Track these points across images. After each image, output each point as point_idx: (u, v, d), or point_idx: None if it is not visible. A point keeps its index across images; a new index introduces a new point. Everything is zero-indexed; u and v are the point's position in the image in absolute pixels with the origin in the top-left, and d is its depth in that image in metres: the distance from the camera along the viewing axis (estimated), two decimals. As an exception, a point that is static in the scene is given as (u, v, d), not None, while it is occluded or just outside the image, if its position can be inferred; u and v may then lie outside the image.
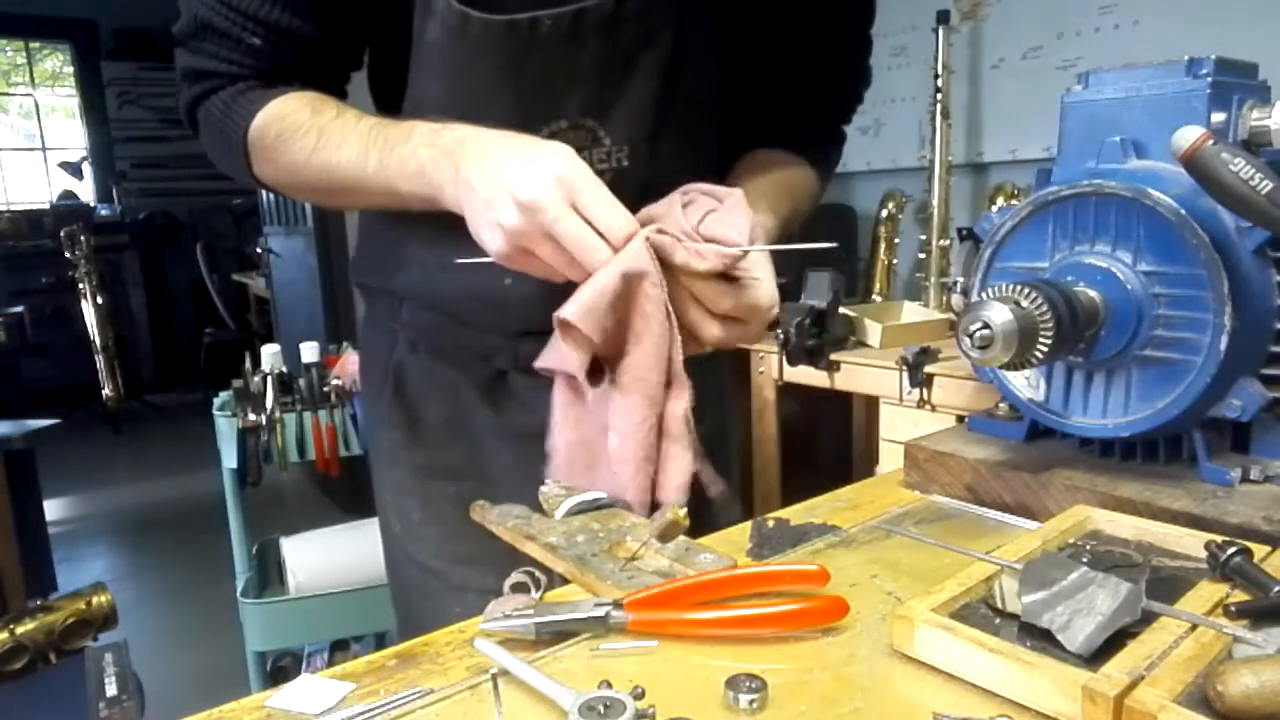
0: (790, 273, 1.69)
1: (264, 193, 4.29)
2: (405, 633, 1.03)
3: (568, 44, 0.80)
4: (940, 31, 2.10)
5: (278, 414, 2.08)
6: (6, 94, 6.66)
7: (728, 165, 0.99)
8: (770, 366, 1.93)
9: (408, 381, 1.00)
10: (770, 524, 0.80)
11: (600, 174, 0.83)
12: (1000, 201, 2.14)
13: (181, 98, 0.88)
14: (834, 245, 0.77)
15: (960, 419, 1.25)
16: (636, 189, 0.84)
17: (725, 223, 0.74)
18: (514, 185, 0.70)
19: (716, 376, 1.07)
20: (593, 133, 0.85)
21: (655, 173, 0.87)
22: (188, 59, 0.85)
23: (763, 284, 0.76)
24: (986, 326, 0.68)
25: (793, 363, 1.76)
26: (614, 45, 0.81)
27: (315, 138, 0.81)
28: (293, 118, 0.82)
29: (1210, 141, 0.63)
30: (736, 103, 1.02)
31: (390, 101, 0.90)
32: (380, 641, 2.20)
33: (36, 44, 6.68)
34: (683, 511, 0.68)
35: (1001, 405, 0.90)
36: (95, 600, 1.49)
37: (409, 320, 1.00)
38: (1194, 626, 0.53)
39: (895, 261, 2.35)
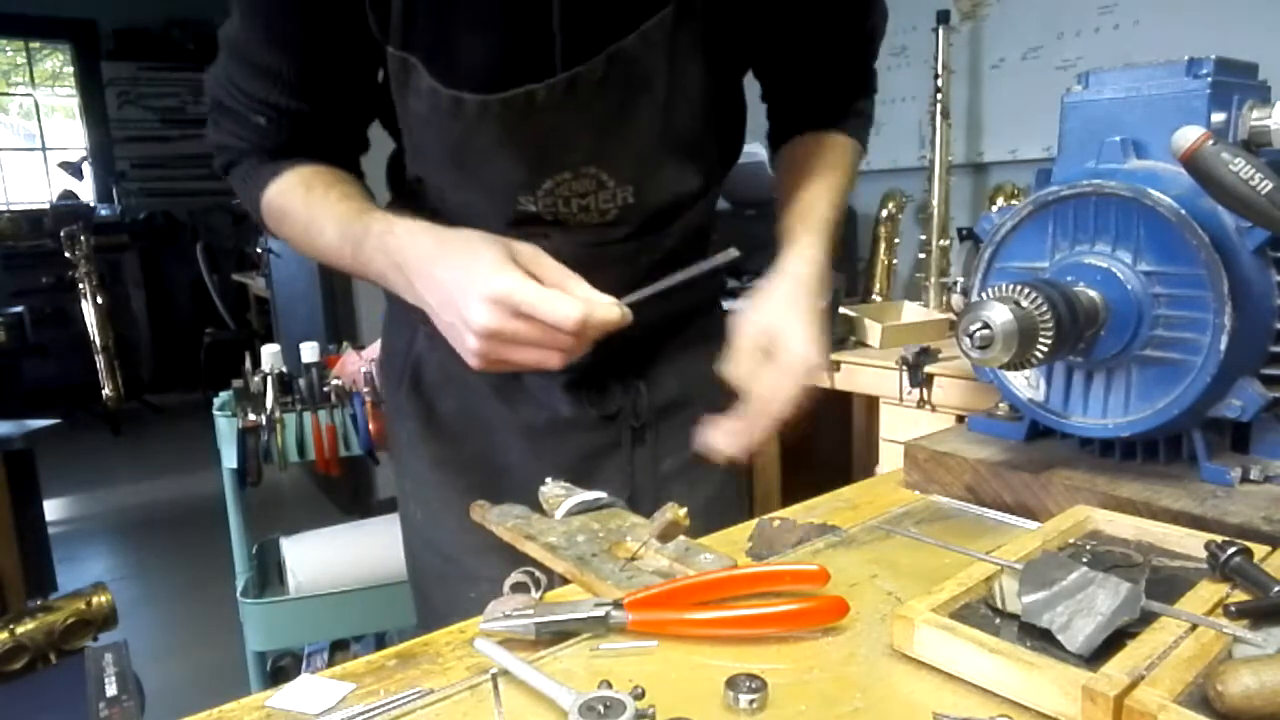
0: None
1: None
2: (422, 616, 1.06)
3: (563, 107, 0.80)
4: (940, 31, 2.10)
5: (278, 414, 2.08)
6: (6, 94, 6.65)
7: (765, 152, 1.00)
8: (770, 366, 1.92)
9: (425, 375, 1.02)
10: (771, 524, 0.80)
11: (604, 213, 0.87)
12: (1000, 201, 2.14)
13: (215, 165, 0.94)
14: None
15: (960, 419, 1.25)
16: (640, 218, 0.89)
17: None
18: (466, 316, 0.71)
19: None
20: (596, 178, 0.86)
21: (659, 199, 0.90)
22: (213, 133, 0.91)
23: (798, 356, 0.78)
24: (986, 326, 0.68)
25: (793, 363, 1.75)
26: (610, 100, 0.82)
27: (305, 221, 0.87)
28: (289, 196, 0.88)
29: (1210, 141, 0.63)
30: (764, 90, 1.04)
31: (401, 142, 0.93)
32: (380, 641, 2.20)
33: (36, 44, 6.66)
34: (682, 511, 0.68)
35: (1001, 405, 0.90)
36: (95, 600, 1.49)
37: (426, 316, 1.01)
38: (1194, 626, 0.53)
39: (895, 261, 2.35)
